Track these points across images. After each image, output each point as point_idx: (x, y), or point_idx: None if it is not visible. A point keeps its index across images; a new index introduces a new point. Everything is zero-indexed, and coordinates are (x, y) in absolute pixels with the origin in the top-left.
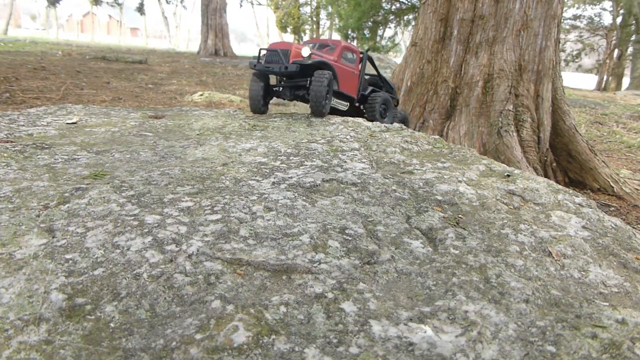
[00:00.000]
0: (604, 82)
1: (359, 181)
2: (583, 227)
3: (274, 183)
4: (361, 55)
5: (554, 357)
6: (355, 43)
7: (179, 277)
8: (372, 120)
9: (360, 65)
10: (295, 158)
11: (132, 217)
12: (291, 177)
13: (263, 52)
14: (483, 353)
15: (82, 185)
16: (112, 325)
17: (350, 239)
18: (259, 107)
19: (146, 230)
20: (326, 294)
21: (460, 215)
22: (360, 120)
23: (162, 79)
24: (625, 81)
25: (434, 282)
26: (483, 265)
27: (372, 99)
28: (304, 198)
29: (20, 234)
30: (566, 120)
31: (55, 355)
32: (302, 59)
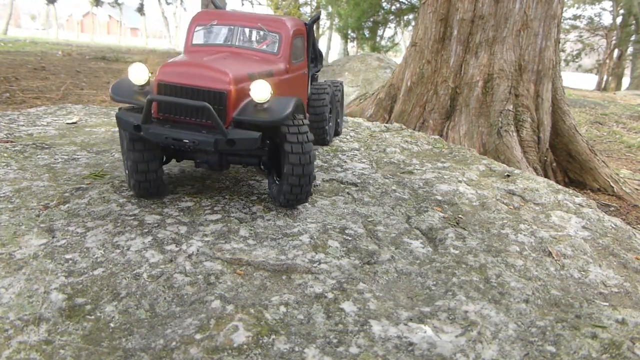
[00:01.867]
0: (604, 82)
1: (359, 181)
2: (583, 227)
3: None
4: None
5: (554, 357)
6: (355, 43)
7: (179, 277)
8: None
9: (307, 51)
10: None
11: (132, 217)
12: None
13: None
14: (483, 353)
15: (82, 185)
16: (112, 325)
17: (350, 239)
18: (155, 186)
19: (146, 230)
20: (326, 294)
21: (460, 215)
22: (360, 120)
23: None
24: (625, 81)
25: (434, 282)
26: (483, 265)
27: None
28: None
29: (20, 234)
30: (566, 120)
31: (55, 355)
32: (256, 108)
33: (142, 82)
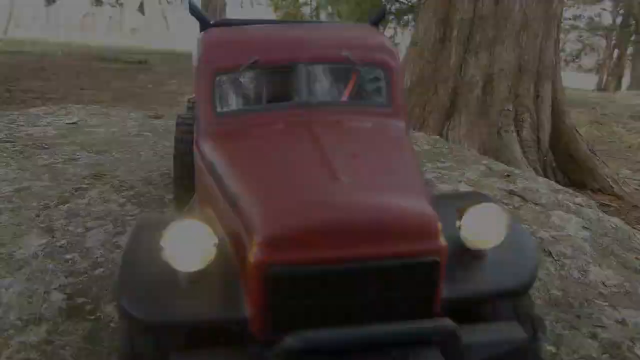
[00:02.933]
0: (604, 82)
1: None
2: (583, 227)
3: None
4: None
5: (554, 357)
6: None
7: None
8: None
9: None
10: None
11: (132, 217)
12: None
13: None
14: None
15: (82, 185)
16: (112, 325)
17: None
18: None
19: None
20: None
21: None
22: None
23: (162, 79)
24: (625, 81)
25: None
26: None
27: None
28: None
29: (20, 234)
30: (566, 120)
31: (55, 355)
32: (473, 260)
33: (203, 266)
